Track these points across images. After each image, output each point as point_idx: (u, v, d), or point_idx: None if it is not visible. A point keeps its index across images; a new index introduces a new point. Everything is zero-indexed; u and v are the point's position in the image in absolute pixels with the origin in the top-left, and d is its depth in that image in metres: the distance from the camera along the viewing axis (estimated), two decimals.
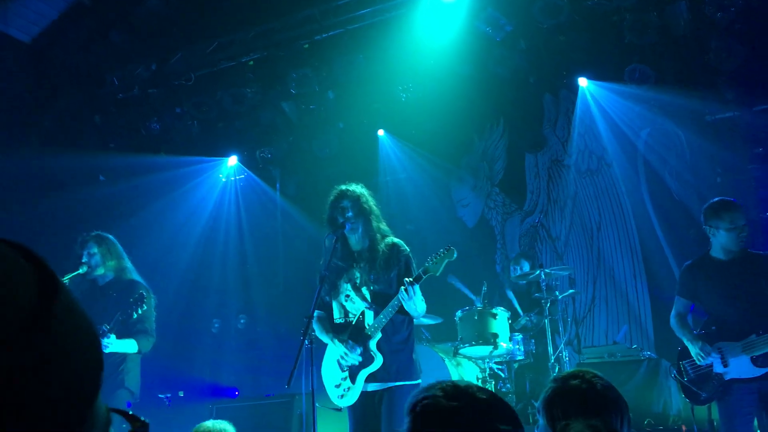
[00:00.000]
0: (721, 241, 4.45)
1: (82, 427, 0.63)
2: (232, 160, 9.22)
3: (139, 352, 5.15)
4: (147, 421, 0.83)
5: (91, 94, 8.55)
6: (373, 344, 4.21)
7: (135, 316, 4.90)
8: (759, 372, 4.19)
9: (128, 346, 5.04)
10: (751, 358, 4.22)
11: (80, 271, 5.23)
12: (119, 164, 8.79)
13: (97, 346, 0.67)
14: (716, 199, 4.60)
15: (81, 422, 0.62)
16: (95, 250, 5.24)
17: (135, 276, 5.36)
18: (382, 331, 4.22)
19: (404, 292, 4.04)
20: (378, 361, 4.18)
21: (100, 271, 5.25)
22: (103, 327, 4.78)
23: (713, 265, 4.49)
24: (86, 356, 0.65)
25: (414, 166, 8.91)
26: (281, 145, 8.98)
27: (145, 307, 4.94)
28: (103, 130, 8.82)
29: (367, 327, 4.25)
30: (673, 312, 4.72)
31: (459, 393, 1.65)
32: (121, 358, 5.08)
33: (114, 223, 8.76)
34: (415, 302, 4.12)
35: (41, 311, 0.60)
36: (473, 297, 7.17)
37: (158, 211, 8.84)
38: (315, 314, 4.42)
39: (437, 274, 4.16)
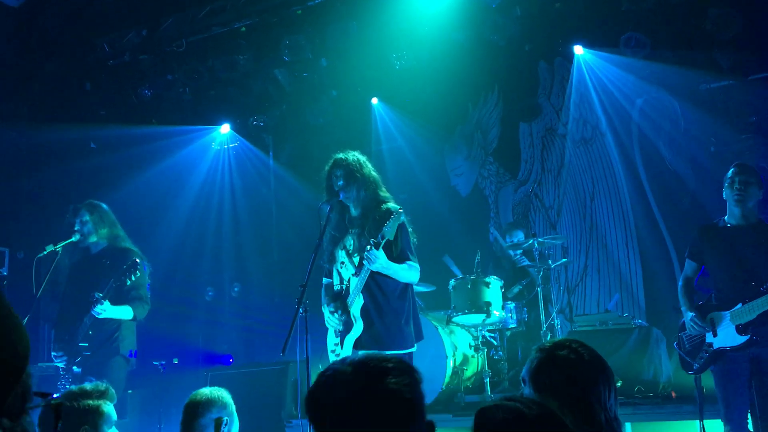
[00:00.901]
0: (727, 200, 4.45)
1: None
2: (225, 128, 9.15)
3: (134, 318, 5.16)
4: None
5: (80, 60, 8.42)
6: (355, 310, 4.25)
7: (129, 282, 4.91)
8: (742, 339, 4.23)
9: (123, 312, 5.04)
10: (736, 326, 4.26)
11: (73, 239, 5.26)
12: (110, 132, 8.72)
13: (23, 353, 0.66)
14: None
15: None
16: (87, 218, 5.24)
17: (128, 244, 5.36)
18: (370, 298, 4.22)
19: (366, 257, 4.05)
20: (357, 326, 4.22)
21: (93, 239, 5.26)
22: (96, 294, 4.81)
23: (721, 229, 4.50)
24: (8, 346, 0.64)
25: (408, 135, 8.87)
26: (274, 112, 8.91)
27: (138, 274, 4.93)
28: (93, 98, 8.72)
29: (350, 293, 4.29)
30: (682, 274, 4.75)
31: None
32: (116, 325, 5.08)
33: (106, 191, 8.72)
34: (385, 268, 4.12)
35: None
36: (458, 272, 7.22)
37: (150, 180, 8.80)
38: (324, 282, 4.48)
39: (391, 238, 4.13)
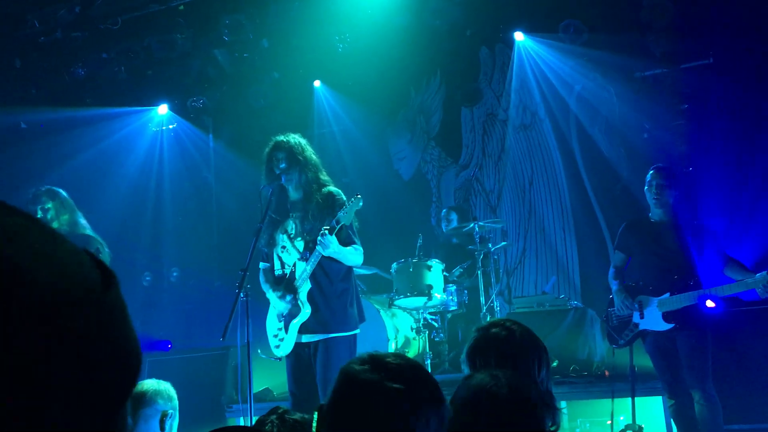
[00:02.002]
0: (649, 201, 4.83)
1: (109, 426, 0.60)
2: (162, 109, 8.92)
3: None
4: None
5: (9, 36, 8.06)
6: (302, 294, 4.23)
7: None
8: (667, 326, 4.60)
9: None
10: (663, 313, 4.62)
11: None
12: (42, 112, 8.41)
13: (139, 351, 0.65)
14: None
15: (109, 421, 0.60)
16: (49, 205, 5.18)
17: (89, 231, 5.29)
18: (315, 282, 4.22)
19: (320, 242, 4.05)
20: (305, 311, 4.20)
21: (54, 225, 5.12)
22: None
23: (646, 225, 4.88)
24: (130, 351, 0.63)
25: (351, 118, 8.84)
26: (214, 94, 8.74)
27: (104, 257, 4.95)
28: (24, 76, 8.37)
29: (296, 279, 4.27)
30: (611, 264, 5.10)
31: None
32: None
33: (38, 173, 8.42)
34: (337, 252, 4.13)
35: (104, 287, 0.60)
36: (388, 276, 7.28)
37: (86, 162, 8.52)
38: (261, 266, 4.44)
39: (348, 224, 4.15)
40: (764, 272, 4.37)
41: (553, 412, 2.04)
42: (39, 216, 5.11)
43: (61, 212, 5.19)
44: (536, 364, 2.33)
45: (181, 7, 7.63)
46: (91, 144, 8.61)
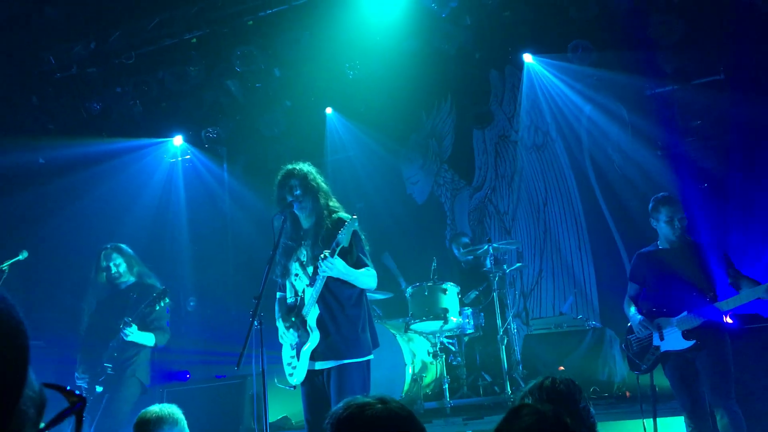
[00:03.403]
0: (662, 232, 4.85)
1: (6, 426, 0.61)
2: (177, 140, 9.04)
3: (155, 345, 5.63)
4: (84, 396, 0.84)
5: (26, 73, 8.23)
6: (311, 320, 4.21)
7: (158, 308, 5.41)
8: (688, 344, 4.59)
9: (147, 338, 5.51)
10: (682, 332, 4.63)
11: (19, 257, 5.79)
12: (59, 147, 8.53)
13: (21, 341, 0.66)
14: (659, 194, 4.95)
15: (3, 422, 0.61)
16: (119, 260, 5.76)
17: (153, 280, 5.86)
18: (325, 307, 4.20)
19: (322, 266, 4.04)
20: (314, 337, 4.17)
21: (125, 278, 5.75)
22: (126, 318, 5.31)
23: (658, 254, 4.90)
24: (7, 351, 0.64)
25: (363, 144, 8.89)
26: (227, 124, 8.83)
27: (168, 301, 5.45)
28: (41, 112, 8.52)
29: (305, 304, 4.27)
30: (626, 295, 5.10)
31: None
32: (135, 350, 5.54)
33: (57, 208, 8.55)
34: (345, 274, 4.10)
35: None
36: (401, 281, 7.25)
37: (104, 195, 8.64)
38: (277, 296, 4.44)
39: (346, 245, 4.14)
40: None
41: None
42: (113, 271, 5.68)
43: (132, 265, 5.81)
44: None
45: (194, 40, 7.75)
46: (108, 177, 8.72)
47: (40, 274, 8.44)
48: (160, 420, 3.12)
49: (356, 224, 4.12)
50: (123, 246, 5.89)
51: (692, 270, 4.70)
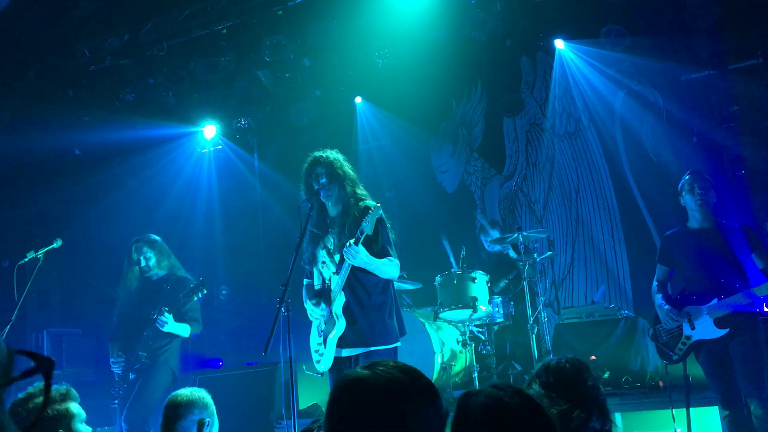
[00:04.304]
0: (687, 206, 4.74)
1: None
2: (209, 131, 9.12)
3: (190, 336, 5.74)
4: (53, 359, 0.89)
5: (61, 66, 8.37)
6: (337, 308, 4.22)
7: (195, 299, 5.51)
8: (721, 332, 4.47)
9: (182, 329, 5.62)
10: (714, 320, 4.50)
11: (54, 245, 5.80)
12: (95, 138, 8.67)
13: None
14: None
15: None
16: (150, 254, 5.85)
17: (184, 273, 5.97)
18: (352, 295, 4.20)
19: (347, 254, 4.05)
20: (340, 324, 4.19)
21: (156, 270, 5.86)
22: (163, 308, 5.39)
23: (687, 234, 4.77)
24: None
25: (392, 133, 8.87)
26: (258, 114, 8.89)
27: (205, 291, 5.52)
28: (76, 104, 8.67)
29: (332, 292, 4.28)
30: (654, 277, 4.97)
31: None
32: (168, 339, 5.65)
33: (93, 198, 8.71)
34: (367, 263, 4.10)
35: None
36: (453, 262, 7.21)
37: (138, 185, 8.79)
38: (305, 282, 4.48)
39: (370, 233, 4.12)
40: None
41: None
42: (143, 265, 5.78)
43: (161, 259, 5.88)
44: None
45: (224, 31, 7.80)
46: (142, 167, 8.86)
47: (76, 264, 8.63)
48: (191, 403, 3.16)
49: (380, 212, 4.12)
50: (155, 237, 5.98)
51: (722, 253, 4.57)
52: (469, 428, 1.73)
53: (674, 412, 4.89)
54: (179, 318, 5.56)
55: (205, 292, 5.52)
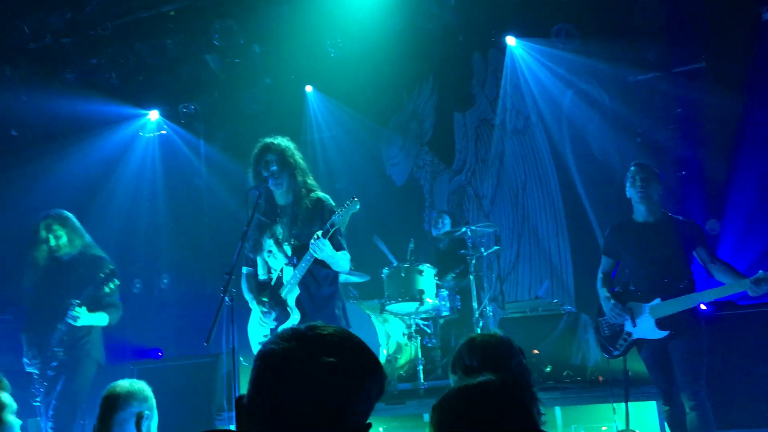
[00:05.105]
0: (632, 198, 4.62)
1: None
2: (154, 115, 8.88)
3: (109, 324, 5.31)
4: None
5: None
6: (291, 300, 4.17)
7: (107, 290, 5.07)
8: (662, 334, 4.39)
9: (98, 319, 5.19)
10: (656, 320, 4.41)
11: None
12: (33, 119, 8.34)
13: None
14: None
15: None
16: (61, 232, 5.35)
17: (99, 251, 5.47)
18: (304, 288, 4.17)
19: (314, 246, 3.99)
20: (294, 317, 4.13)
21: (66, 250, 5.35)
22: (73, 301, 4.96)
23: (633, 227, 4.65)
24: None
25: (344, 124, 8.81)
26: (206, 99, 8.68)
27: (118, 282, 5.12)
28: (13, 82, 8.31)
29: (285, 283, 4.20)
30: (600, 269, 4.87)
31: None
32: (87, 330, 5.20)
33: (30, 181, 8.38)
34: (330, 256, 4.07)
35: None
36: (392, 259, 7.20)
37: (77, 169, 8.47)
38: (244, 271, 4.38)
39: (343, 228, 4.11)
40: (757, 274, 4.16)
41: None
42: (53, 243, 5.30)
43: (73, 237, 5.37)
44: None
45: (172, 13, 7.57)
46: (82, 151, 8.55)
47: (7, 250, 8.28)
48: (130, 395, 3.05)
49: (357, 207, 4.06)
50: (66, 214, 5.46)
51: (668, 250, 4.47)
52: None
53: (615, 406, 4.96)
54: (95, 306, 5.12)
55: (118, 282, 5.11)
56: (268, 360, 1.41)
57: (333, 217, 4.03)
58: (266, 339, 4.20)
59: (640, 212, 4.62)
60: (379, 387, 1.45)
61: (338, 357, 1.40)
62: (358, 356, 1.44)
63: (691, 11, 7.13)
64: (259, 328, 4.30)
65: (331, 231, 4.02)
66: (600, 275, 4.83)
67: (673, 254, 4.48)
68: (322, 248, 4.00)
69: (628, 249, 4.66)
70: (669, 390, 4.45)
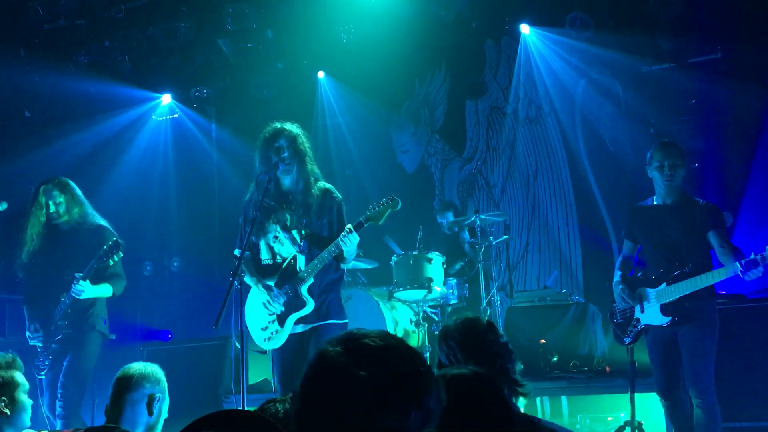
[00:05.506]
0: (655, 182, 4.44)
1: None
2: (166, 98, 8.90)
3: (114, 295, 5.18)
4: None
5: (13, 24, 8.03)
6: (304, 289, 4.17)
7: (111, 263, 4.91)
8: (665, 320, 4.25)
9: (103, 290, 5.06)
10: (660, 306, 4.27)
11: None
12: (46, 100, 8.37)
13: None
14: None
15: None
16: (61, 199, 5.14)
17: (100, 220, 5.27)
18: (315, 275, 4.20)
19: (345, 239, 4.00)
20: (309, 306, 4.16)
21: (65, 218, 5.15)
22: (77, 275, 4.81)
23: (650, 209, 4.49)
24: None
25: (354, 110, 8.79)
26: (218, 84, 8.69)
27: (121, 254, 4.92)
28: (27, 63, 8.34)
29: (300, 272, 4.20)
30: (621, 253, 4.75)
31: None
32: (91, 302, 5.07)
33: (41, 162, 8.42)
34: (352, 251, 4.15)
35: None
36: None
37: (90, 151, 8.51)
38: (245, 254, 4.36)
39: (380, 224, 4.09)
40: (748, 257, 3.98)
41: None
42: (51, 210, 5.10)
43: (72, 206, 5.16)
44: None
45: None
46: (94, 133, 8.59)
47: (19, 229, 8.34)
48: (143, 377, 3.11)
49: (399, 206, 4.07)
50: (66, 180, 5.25)
51: (679, 233, 4.29)
52: None
53: (615, 399, 4.93)
54: (98, 278, 4.97)
55: (122, 254, 4.90)
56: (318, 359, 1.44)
57: (368, 212, 4.04)
58: (271, 324, 4.22)
59: (661, 195, 4.43)
60: (420, 411, 1.39)
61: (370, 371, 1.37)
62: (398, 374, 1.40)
63: (707, 1, 7.05)
64: (262, 315, 4.27)
65: (365, 225, 4.03)
66: (620, 258, 4.69)
67: (684, 238, 4.29)
68: (352, 241, 4.01)
69: (643, 231, 4.50)
70: (667, 383, 4.31)
